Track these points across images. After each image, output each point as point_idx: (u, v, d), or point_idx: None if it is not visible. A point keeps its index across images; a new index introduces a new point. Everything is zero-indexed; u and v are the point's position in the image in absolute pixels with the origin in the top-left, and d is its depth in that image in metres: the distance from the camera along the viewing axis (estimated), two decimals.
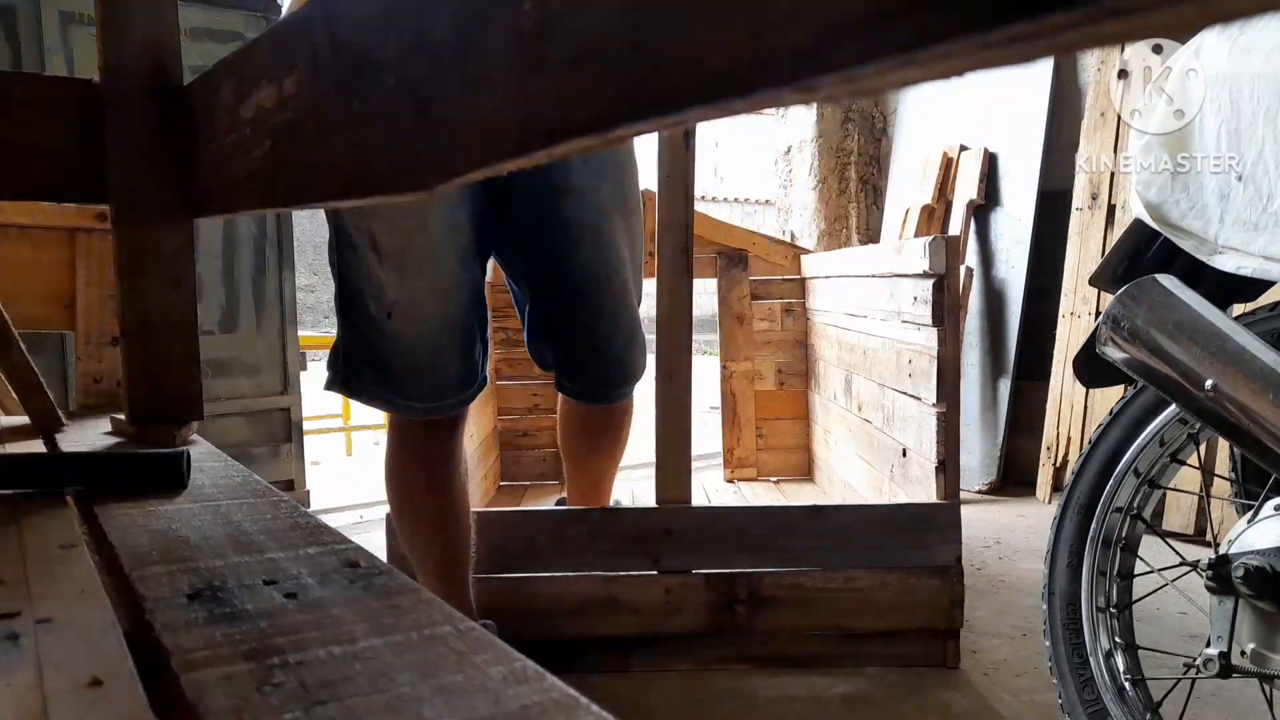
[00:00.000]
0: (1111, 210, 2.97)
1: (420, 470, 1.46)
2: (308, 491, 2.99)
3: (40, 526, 0.65)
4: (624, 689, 1.63)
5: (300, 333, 3.04)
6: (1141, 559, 1.28)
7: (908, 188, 3.83)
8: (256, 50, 0.73)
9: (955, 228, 3.45)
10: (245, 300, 2.81)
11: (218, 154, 0.86)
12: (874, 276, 2.27)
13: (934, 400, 1.81)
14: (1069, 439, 3.03)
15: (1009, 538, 2.67)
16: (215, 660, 0.40)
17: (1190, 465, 1.27)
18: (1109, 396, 2.82)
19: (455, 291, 1.37)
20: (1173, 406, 1.18)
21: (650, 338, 1.64)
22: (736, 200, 10.33)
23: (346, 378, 1.38)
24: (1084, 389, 2.97)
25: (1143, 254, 1.27)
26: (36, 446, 0.99)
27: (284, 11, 1.59)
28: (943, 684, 1.65)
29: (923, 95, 3.87)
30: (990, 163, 3.42)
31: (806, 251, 3.25)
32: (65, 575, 0.54)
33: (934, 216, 3.55)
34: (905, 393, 2.01)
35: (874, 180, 4.29)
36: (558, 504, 1.86)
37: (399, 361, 1.35)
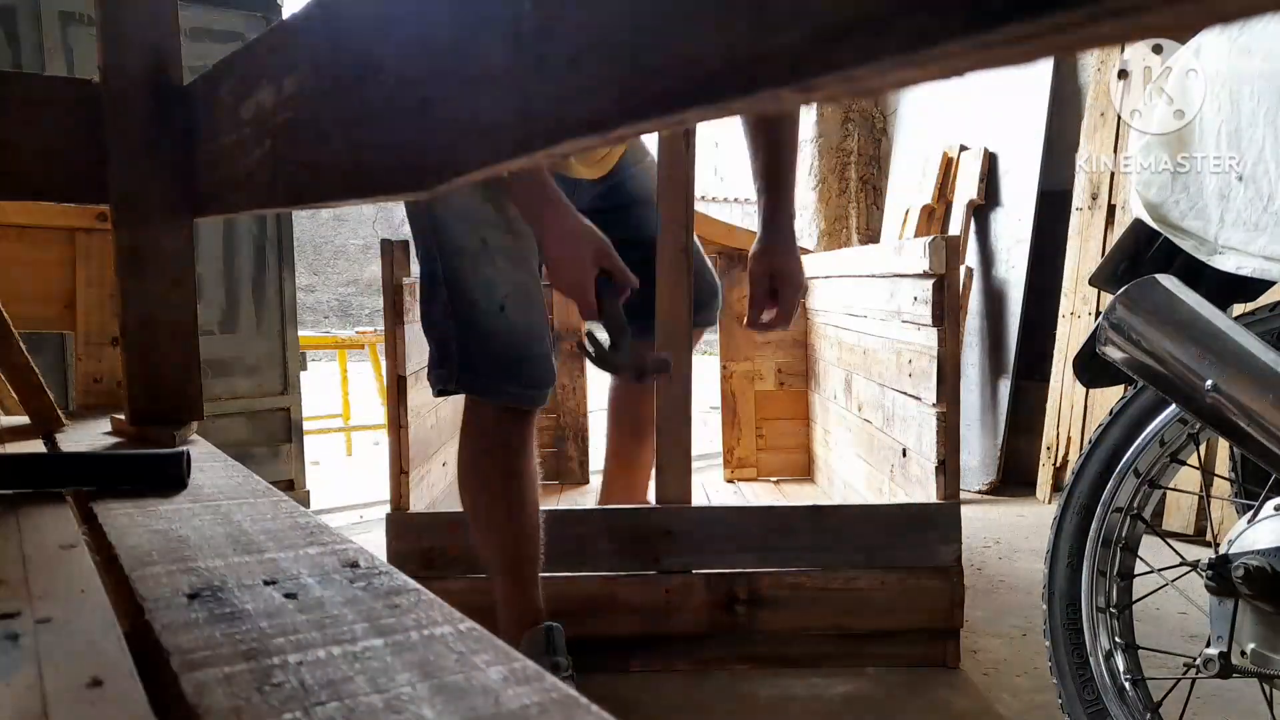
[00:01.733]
0: (1111, 210, 2.96)
1: (503, 458, 1.49)
2: (308, 491, 2.99)
3: (40, 526, 0.65)
4: (624, 689, 1.63)
5: (300, 333, 3.04)
6: (1141, 559, 1.28)
7: (908, 188, 3.82)
8: (256, 50, 0.73)
9: (955, 228, 3.45)
10: (245, 300, 2.81)
11: (218, 154, 0.86)
12: (874, 276, 2.27)
13: (934, 400, 1.81)
14: (1069, 439, 3.03)
15: (1009, 538, 2.67)
16: (215, 660, 0.40)
17: (1190, 465, 1.27)
18: (1109, 396, 2.82)
19: (540, 281, 1.51)
20: (1173, 406, 1.18)
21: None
22: (736, 200, 10.32)
23: (463, 376, 1.45)
24: (1084, 389, 2.97)
25: (1143, 254, 1.27)
26: (36, 446, 0.99)
27: None
28: (943, 684, 1.65)
29: (923, 95, 3.87)
30: (990, 163, 3.42)
31: (807, 251, 3.24)
32: (65, 575, 0.54)
33: (934, 216, 3.54)
34: (905, 393, 2.01)
35: (874, 180, 4.29)
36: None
37: (514, 351, 1.44)
